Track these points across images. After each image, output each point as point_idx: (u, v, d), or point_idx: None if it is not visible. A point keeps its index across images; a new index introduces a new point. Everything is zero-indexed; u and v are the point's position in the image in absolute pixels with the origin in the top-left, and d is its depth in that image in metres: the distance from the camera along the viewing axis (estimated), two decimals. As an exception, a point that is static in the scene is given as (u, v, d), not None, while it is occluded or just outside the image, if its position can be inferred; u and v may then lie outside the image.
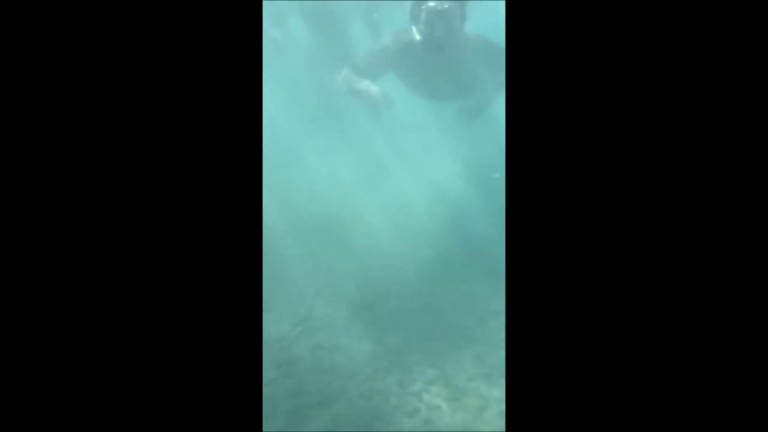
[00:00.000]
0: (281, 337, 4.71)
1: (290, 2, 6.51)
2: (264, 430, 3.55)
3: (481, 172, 6.12)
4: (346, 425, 3.68)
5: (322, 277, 5.46)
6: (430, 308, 5.39)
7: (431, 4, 4.02)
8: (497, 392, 4.22)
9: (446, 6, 3.98)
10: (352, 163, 6.47)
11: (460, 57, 4.36)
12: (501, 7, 4.18)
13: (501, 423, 3.83)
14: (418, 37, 4.30)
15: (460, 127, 4.92)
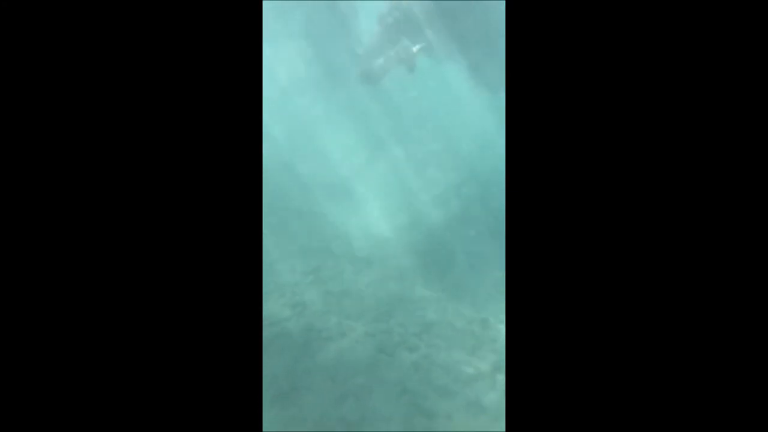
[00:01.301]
0: (295, 284, 5.08)
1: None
2: (278, 357, 3.95)
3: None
4: (353, 356, 4.05)
5: (331, 232, 5.81)
6: (432, 263, 5.72)
7: None
8: (493, 333, 4.56)
9: None
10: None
11: None
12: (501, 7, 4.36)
13: (494, 357, 4.17)
14: None
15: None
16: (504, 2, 4.08)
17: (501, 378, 3.95)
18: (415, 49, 4.22)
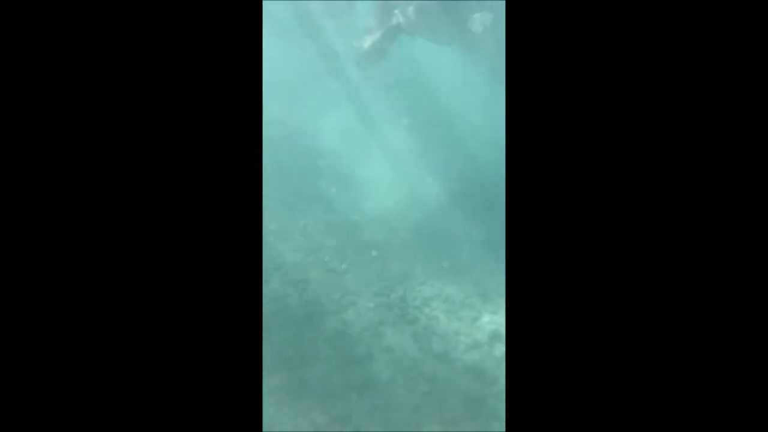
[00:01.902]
0: (297, 263, 5.21)
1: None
2: (283, 330, 4.09)
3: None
4: (354, 328, 4.19)
5: (333, 216, 5.93)
6: (433, 242, 5.85)
7: None
8: (491, 307, 4.69)
9: None
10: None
11: None
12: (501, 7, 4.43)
13: (492, 327, 4.31)
14: None
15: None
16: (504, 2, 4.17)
17: (498, 346, 4.08)
18: (408, 18, 4.23)
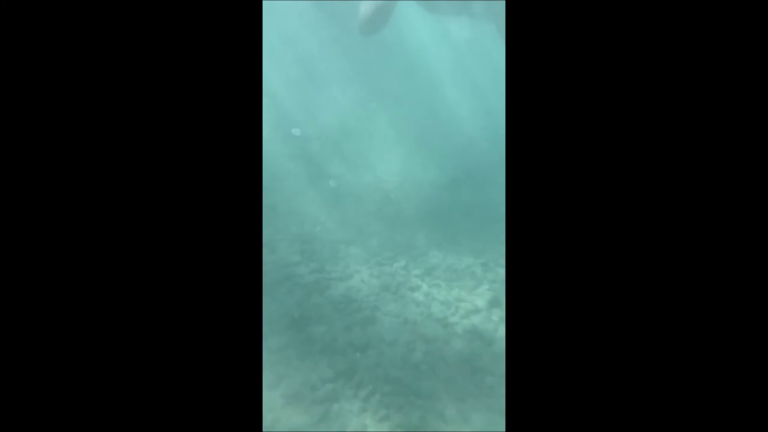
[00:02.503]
0: (304, 233, 5.38)
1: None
2: (289, 295, 4.27)
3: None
4: (359, 293, 4.37)
5: (341, 188, 6.08)
6: (436, 214, 5.99)
7: None
8: (491, 275, 4.85)
9: None
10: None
11: None
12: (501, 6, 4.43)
13: (491, 295, 4.47)
14: None
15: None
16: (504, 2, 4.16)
17: (497, 311, 4.25)
18: None
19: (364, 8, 3.98)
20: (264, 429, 2.90)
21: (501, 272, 4.95)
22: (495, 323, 4.07)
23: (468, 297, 4.47)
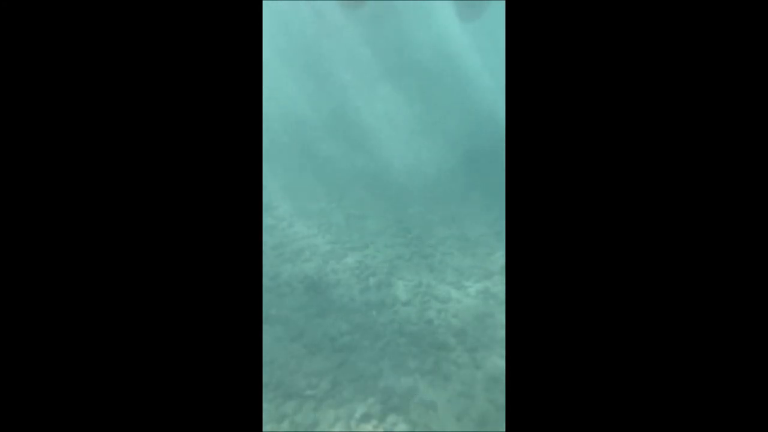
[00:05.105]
0: (322, 209, 5.55)
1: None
2: (309, 262, 4.44)
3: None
4: (373, 261, 4.51)
5: (354, 169, 6.23)
6: (448, 191, 6.10)
7: None
8: (504, 244, 4.96)
9: None
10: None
11: None
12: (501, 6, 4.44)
13: (503, 262, 4.57)
14: None
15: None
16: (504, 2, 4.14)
17: (509, 276, 4.36)
18: None
19: None
20: (286, 376, 3.07)
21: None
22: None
23: (481, 263, 4.59)
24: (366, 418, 2.72)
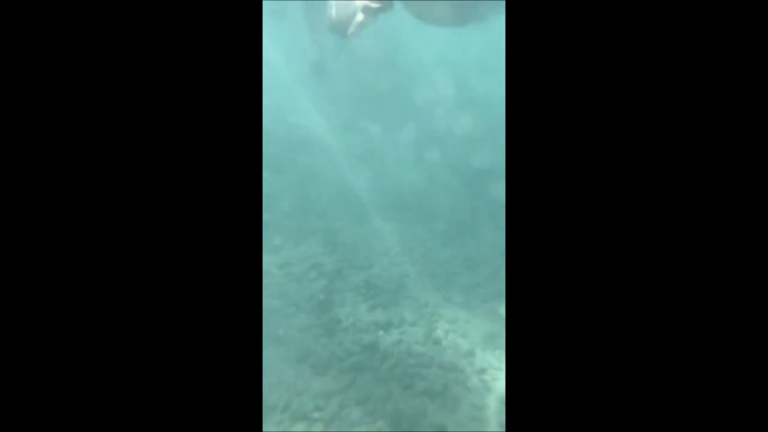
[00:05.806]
0: (327, 227, 5.56)
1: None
2: (315, 282, 4.43)
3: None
4: (380, 279, 4.50)
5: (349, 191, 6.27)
6: (454, 209, 6.12)
7: None
8: (508, 263, 4.96)
9: None
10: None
11: None
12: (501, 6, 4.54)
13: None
14: None
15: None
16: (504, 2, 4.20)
17: (516, 296, 4.35)
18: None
19: (330, 8, 3.45)
20: (292, 396, 3.03)
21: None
22: (514, 305, 4.16)
23: (489, 283, 4.58)
24: (375, 441, 2.69)
